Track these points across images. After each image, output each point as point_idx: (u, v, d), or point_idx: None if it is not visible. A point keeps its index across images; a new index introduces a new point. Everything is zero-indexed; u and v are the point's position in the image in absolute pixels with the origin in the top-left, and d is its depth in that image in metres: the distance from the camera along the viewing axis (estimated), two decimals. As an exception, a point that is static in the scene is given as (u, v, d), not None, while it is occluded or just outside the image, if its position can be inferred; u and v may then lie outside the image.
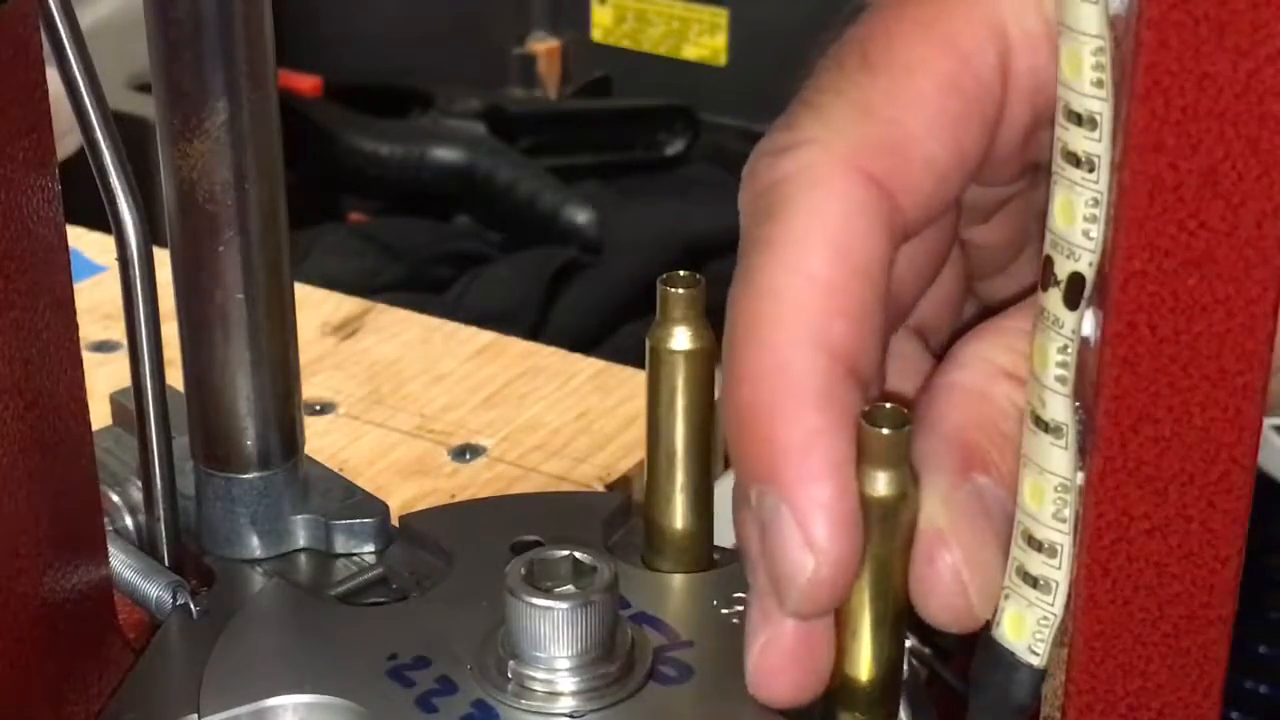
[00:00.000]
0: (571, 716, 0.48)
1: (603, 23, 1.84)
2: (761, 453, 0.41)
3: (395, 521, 0.58)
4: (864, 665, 0.44)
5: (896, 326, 0.47)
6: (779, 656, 0.44)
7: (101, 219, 0.53)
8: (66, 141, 0.49)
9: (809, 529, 0.41)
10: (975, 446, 0.42)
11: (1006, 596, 0.41)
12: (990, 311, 0.45)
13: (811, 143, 0.42)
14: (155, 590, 0.54)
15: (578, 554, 0.49)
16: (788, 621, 0.43)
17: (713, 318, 0.52)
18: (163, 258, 0.54)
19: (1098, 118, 0.36)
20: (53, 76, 0.48)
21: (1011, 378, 0.42)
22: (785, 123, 0.43)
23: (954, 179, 0.43)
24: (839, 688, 0.45)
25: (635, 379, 0.86)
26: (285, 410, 0.57)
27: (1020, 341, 0.41)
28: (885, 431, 0.41)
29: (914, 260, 0.46)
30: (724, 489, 0.48)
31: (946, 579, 0.42)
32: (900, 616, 0.44)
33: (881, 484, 0.41)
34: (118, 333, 0.87)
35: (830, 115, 0.43)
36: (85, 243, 0.94)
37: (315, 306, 0.93)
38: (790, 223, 0.42)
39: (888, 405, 0.41)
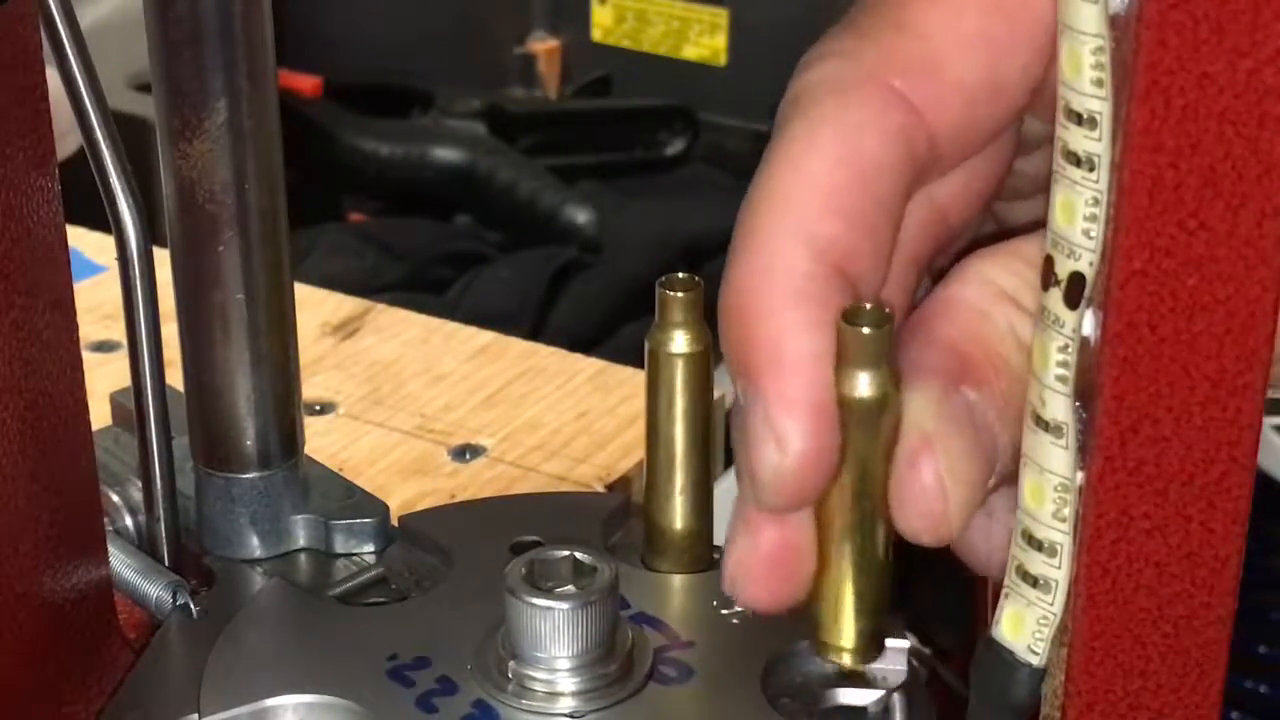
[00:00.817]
0: (572, 717, 0.48)
1: (603, 23, 1.83)
2: (739, 348, 0.41)
3: (395, 521, 0.58)
4: (847, 575, 0.43)
5: (949, 250, 0.46)
6: (756, 561, 0.42)
7: (101, 219, 0.53)
8: (66, 141, 0.49)
9: (775, 422, 0.40)
10: (970, 360, 0.41)
11: (1006, 596, 0.41)
12: (1003, 235, 0.45)
13: (840, 54, 0.42)
14: (155, 590, 0.54)
15: (578, 554, 0.49)
16: (766, 526, 0.42)
17: (712, 320, 0.52)
18: (163, 258, 0.54)
19: (1098, 117, 0.36)
20: (53, 76, 0.48)
21: (1012, 302, 0.41)
22: (823, 37, 0.43)
23: (987, 105, 0.42)
24: (822, 599, 0.43)
25: (635, 379, 0.86)
26: (285, 410, 0.57)
27: (1027, 269, 0.41)
28: (865, 330, 0.39)
29: (966, 185, 0.45)
30: (723, 489, 0.48)
31: (928, 483, 0.40)
32: (884, 528, 0.42)
33: (861, 385, 0.40)
34: (118, 333, 0.87)
35: (863, 29, 0.42)
36: (85, 243, 0.94)
37: (315, 306, 0.93)
38: (802, 128, 0.42)
39: (868, 305, 0.40)
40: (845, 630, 0.43)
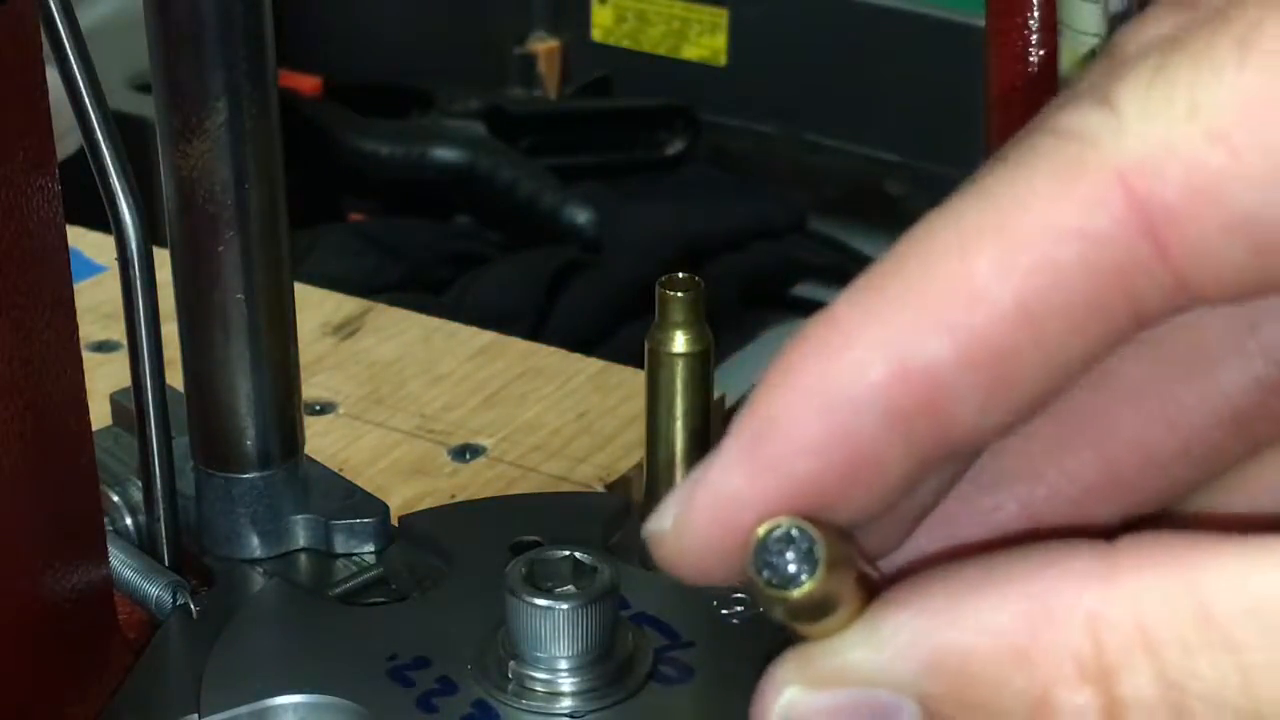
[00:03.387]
0: (572, 716, 0.48)
1: (603, 23, 1.83)
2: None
3: (395, 521, 0.58)
4: None
5: None
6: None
7: (101, 219, 0.53)
8: (66, 141, 0.49)
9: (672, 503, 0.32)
10: None
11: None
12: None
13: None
14: (155, 590, 0.54)
15: (578, 554, 0.49)
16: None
17: (711, 320, 0.52)
18: (163, 258, 0.54)
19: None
20: (53, 76, 0.48)
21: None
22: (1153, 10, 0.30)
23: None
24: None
25: (635, 379, 0.86)
26: (285, 410, 0.57)
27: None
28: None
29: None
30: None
31: None
32: None
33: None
34: (118, 333, 0.86)
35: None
36: (85, 242, 0.94)
37: (315, 306, 0.93)
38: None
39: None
40: None
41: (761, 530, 0.29)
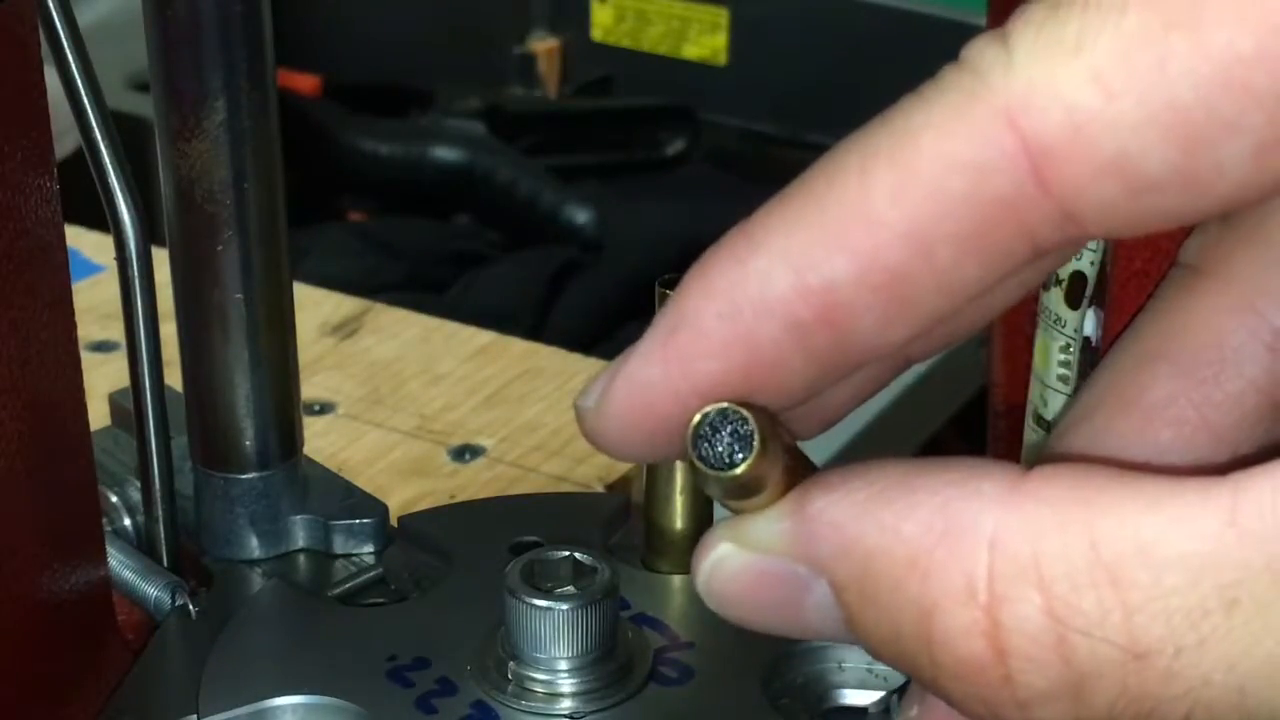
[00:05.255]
0: (571, 717, 0.48)
1: (603, 22, 1.83)
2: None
3: (394, 522, 0.58)
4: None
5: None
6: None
7: (100, 219, 0.53)
8: (65, 141, 0.49)
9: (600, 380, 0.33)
10: None
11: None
12: None
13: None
14: (154, 591, 0.54)
15: (577, 555, 0.49)
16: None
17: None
18: (162, 258, 0.54)
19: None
20: (51, 76, 0.48)
21: None
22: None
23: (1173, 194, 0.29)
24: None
25: (635, 379, 0.85)
26: (284, 410, 0.57)
27: None
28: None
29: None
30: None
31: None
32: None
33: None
34: (116, 333, 0.86)
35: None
36: (84, 242, 0.94)
37: (315, 306, 0.93)
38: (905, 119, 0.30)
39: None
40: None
41: (698, 416, 0.31)
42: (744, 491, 0.32)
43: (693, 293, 0.32)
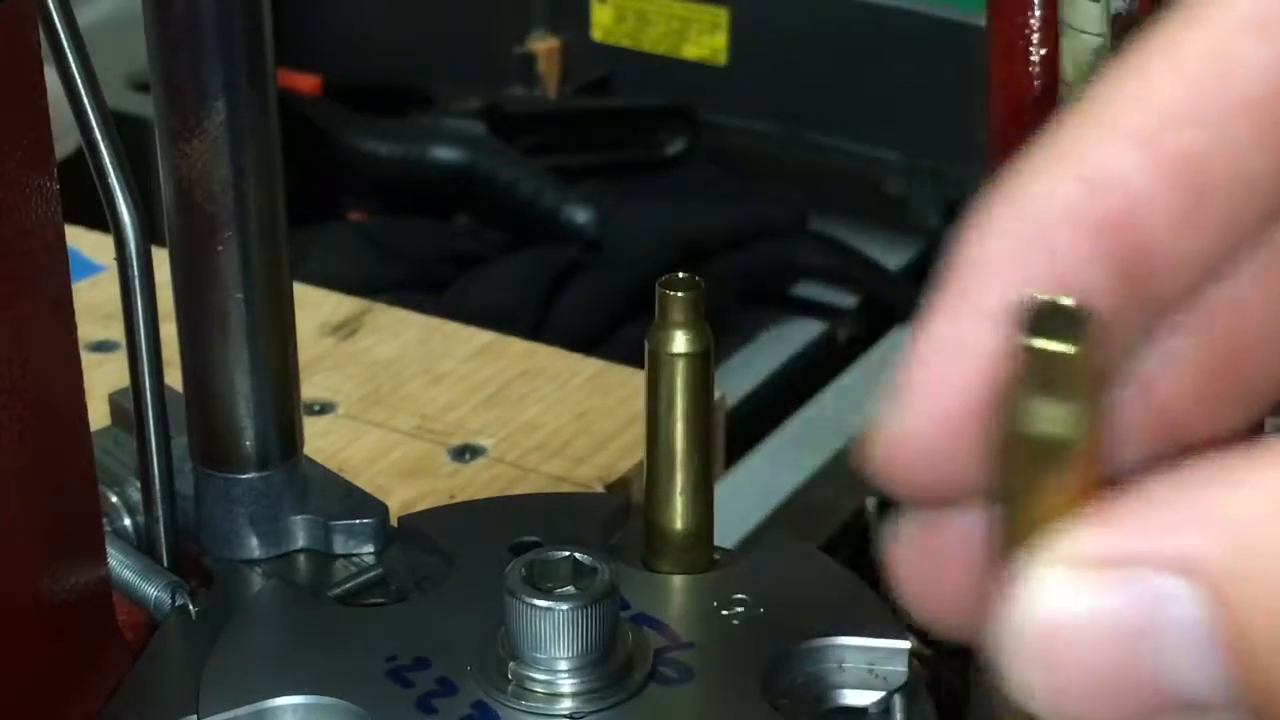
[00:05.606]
0: (571, 717, 0.48)
1: (603, 22, 1.83)
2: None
3: (394, 522, 0.58)
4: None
5: None
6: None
7: (101, 219, 0.53)
8: (65, 141, 0.49)
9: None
10: None
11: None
12: None
13: None
14: (154, 591, 0.54)
15: (578, 555, 0.49)
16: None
17: (711, 320, 0.52)
18: (162, 258, 0.54)
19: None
20: (51, 76, 0.48)
21: None
22: None
23: None
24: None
25: (635, 379, 0.85)
26: (284, 410, 0.57)
27: None
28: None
29: None
30: (723, 490, 0.48)
31: None
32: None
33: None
34: (116, 333, 0.86)
35: None
36: (84, 242, 0.94)
37: (315, 306, 0.92)
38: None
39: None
40: None
41: (1030, 300, 0.27)
42: (1065, 425, 0.26)
43: (979, 233, 0.28)
